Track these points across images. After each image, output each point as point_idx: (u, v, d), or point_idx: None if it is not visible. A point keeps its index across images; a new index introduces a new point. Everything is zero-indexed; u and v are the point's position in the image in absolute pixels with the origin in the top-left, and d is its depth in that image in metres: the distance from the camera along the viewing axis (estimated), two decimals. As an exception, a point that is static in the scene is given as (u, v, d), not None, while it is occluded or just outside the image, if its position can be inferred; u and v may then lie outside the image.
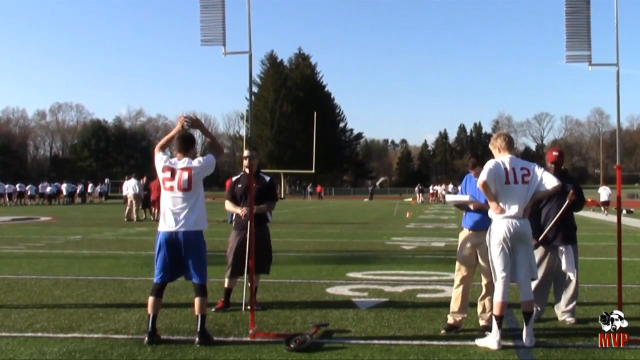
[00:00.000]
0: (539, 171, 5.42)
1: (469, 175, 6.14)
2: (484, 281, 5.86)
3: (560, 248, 6.23)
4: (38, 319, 6.22)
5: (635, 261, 11.16)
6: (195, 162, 5.57)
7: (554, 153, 6.38)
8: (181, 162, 5.58)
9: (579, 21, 5.65)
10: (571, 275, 6.21)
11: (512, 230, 5.31)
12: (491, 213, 5.45)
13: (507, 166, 5.38)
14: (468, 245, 5.94)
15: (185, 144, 5.68)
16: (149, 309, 5.35)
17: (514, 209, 5.32)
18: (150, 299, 5.39)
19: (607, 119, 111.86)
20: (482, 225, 5.72)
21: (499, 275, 5.34)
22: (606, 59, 5.69)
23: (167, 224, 5.45)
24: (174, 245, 5.40)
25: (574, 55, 5.68)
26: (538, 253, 6.19)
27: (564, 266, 6.20)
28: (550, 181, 5.37)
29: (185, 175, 5.49)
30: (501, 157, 5.50)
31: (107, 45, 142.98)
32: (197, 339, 5.26)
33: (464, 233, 6.04)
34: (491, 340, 5.21)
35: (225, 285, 6.90)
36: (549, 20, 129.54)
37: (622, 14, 5.75)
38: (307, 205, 44.73)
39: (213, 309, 6.58)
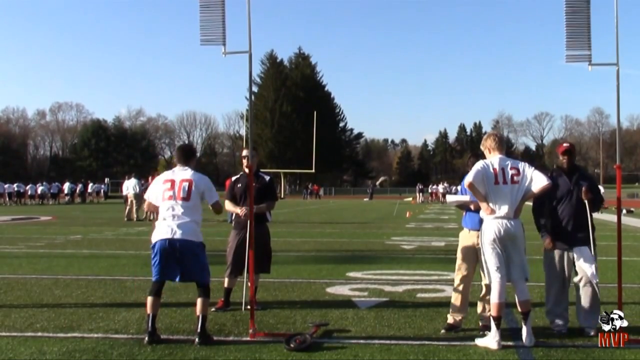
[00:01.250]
0: (529, 170, 5.37)
1: (469, 175, 6.13)
2: (484, 281, 5.84)
3: (575, 249, 5.68)
4: (38, 318, 6.22)
5: (635, 261, 11.15)
6: (197, 177, 5.56)
7: (565, 144, 5.95)
8: (181, 173, 5.57)
9: (579, 21, 5.64)
10: (590, 280, 5.65)
11: (502, 231, 5.28)
12: (482, 213, 5.44)
13: (496, 166, 5.36)
14: (468, 244, 5.94)
15: (185, 155, 5.71)
16: (148, 309, 5.34)
17: (503, 210, 5.29)
18: (149, 299, 5.38)
19: (607, 119, 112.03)
20: (482, 225, 5.71)
21: (494, 276, 5.33)
22: (606, 59, 5.69)
23: (162, 232, 5.36)
24: (170, 253, 5.33)
25: (574, 55, 5.68)
26: (555, 256, 5.79)
27: (579, 271, 5.67)
28: (538, 181, 5.30)
29: (186, 185, 5.47)
30: (491, 158, 5.49)
31: (107, 45, 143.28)
32: (196, 339, 5.25)
33: (464, 233, 6.04)
34: (491, 341, 5.21)
35: (225, 284, 6.90)
36: (549, 20, 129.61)
37: (622, 14, 5.76)
38: (307, 205, 44.73)
39: (213, 309, 6.58)
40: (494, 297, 5.31)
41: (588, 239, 5.68)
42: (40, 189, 45.44)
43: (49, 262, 10.67)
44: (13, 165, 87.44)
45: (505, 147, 5.72)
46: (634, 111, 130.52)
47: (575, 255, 5.68)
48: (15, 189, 43.80)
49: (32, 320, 6.12)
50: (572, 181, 5.80)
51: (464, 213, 6.10)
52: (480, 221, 5.75)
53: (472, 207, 5.85)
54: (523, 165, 5.43)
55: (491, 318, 5.33)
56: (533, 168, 5.43)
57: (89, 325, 5.93)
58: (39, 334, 5.61)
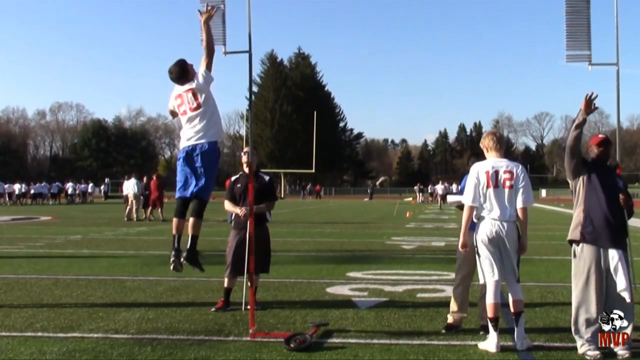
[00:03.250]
0: (522, 181, 5.28)
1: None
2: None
3: (610, 252, 4.95)
4: (38, 318, 6.22)
5: (635, 261, 11.13)
6: (195, 83, 5.64)
7: (600, 135, 5.34)
8: (185, 86, 5.68)
9: (579, 21, 5.65)
10: (625, 294, 4.89)
11: (494, 232, 5.22)
12: (482, 214, 5.35)
13: (489, 169, 5.29)
14: (468, 245, 5.92)
15: (178, 74, 5.68)
16: (174, 229, 5.52)
17: (495, 212, 5.23)
18: (175, 220, 5.58)
19: (607, 119, 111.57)
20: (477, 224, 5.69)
21: (488, 277, 5.27)
22: (606, 59, 5.70)
23: (186, 139, 5.57)
24: (191, 156, 5.51)
25: (574, 55, 5.69)
26: (587, 259, 4.98)
27: (615, 278, 4.92)
28: (520, 200, 5.23)
29: (190, 94, 5.64)
30: (486, 159, 5.44)
31: (107, 45, 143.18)
32: (183, 255, 5.35)
33: (464, 233, 6.02)
34: (490, 344, 5.12)
35: (225, 285, 6.89)
36: (549, 20, 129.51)
37: (622, 14, 5.74)
38: (307, 205, 44.73)
39: (213, 309, 6.59)
40: (489, 298, 5.24)
41: (623, 241, 5.05)
42: (32, 191, 45.13)
43: (49, 262, 10.67)
44: (13, 165, 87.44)
45: (505, 146, 5.62)
46: (634, 111, 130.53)
47: (610, 260, 4.96)
48: (16, 190, 43.77)
49: (32, 320, 6.12)
50: (610, 177, 5.15)
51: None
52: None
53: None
54: (517, 170, 5.32)
55: (488, 320, 5.24)
56: (526, 180, 5.30)
57: (89, 325, 5.93)
58: (39, 334, 5.61)
